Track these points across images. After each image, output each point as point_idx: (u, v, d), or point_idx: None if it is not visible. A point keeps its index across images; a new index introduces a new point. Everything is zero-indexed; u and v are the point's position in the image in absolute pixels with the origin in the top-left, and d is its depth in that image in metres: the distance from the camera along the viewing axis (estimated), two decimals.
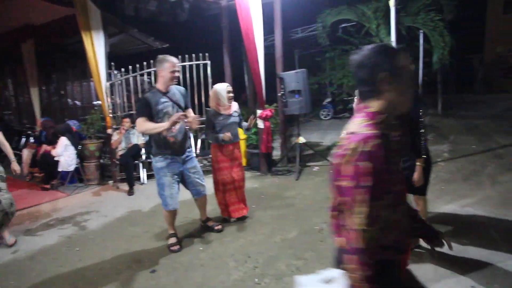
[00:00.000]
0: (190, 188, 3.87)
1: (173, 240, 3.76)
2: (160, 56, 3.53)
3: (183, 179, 3.80)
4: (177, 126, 3.58)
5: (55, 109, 9.97)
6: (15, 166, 4.28)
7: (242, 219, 4.40)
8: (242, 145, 6.14)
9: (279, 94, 6.30)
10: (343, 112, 12.59)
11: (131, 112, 7.03)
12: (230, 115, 4.19)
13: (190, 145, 3.89)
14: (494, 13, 22.26)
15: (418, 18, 8.65)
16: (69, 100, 9.74)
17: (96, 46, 6.35)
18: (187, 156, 3.76)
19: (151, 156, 3.67)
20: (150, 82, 7.17)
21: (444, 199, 4.61)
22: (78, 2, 6.14)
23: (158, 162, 3.59)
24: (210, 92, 4.24)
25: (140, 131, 3.60)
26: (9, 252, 4.05)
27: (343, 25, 10.88)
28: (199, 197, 3.95)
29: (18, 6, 6.99)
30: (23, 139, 9.18)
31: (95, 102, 8.85)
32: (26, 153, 7.68)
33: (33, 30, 8.00)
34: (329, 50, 11.52)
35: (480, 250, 3.26)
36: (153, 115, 3.48)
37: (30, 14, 7.44)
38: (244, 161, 6.18)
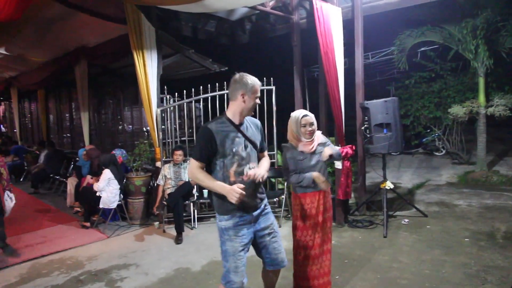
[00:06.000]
0: (264, 255, 2.74)
1: None
2: (238, 75, 2.54)
3: (255, 243, 2.69)
4: (250, 171, 2.53)
5: (104, 135, 9.49)
6: None
7: None
8: None
9: (362, 128, 5.13)
10: (416, 147, 11.04)
11: (184, 139, 6.20)
12: (313, 153, 3.08)
13: (264, 194, 2.79)
14: None
15: None
16: (124, 125, 9.22)
17: (148, 67, 5.66)
18: (262, 211, 2.67)
19: (216, 213, 2.62)
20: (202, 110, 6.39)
21: None
22: (132, 19, 5.50)
23: (223, 221, 2.54)
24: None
25: (191, 178, 2.58)
26: None
27: (422, 48, 9.59)
28: (275, 268, 2.79)
29: (72, 27, 6.54)
30: (72, 166, 8.71)
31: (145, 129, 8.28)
32: (70, 183, 7.05)
33: (86, 51, 7.55)
34: (403, 78, 10.23)
35: None
36: (216, 153, 2.48)
37: (83, 35, 6.98)
38: None
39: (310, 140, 3.06)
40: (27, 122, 14.56)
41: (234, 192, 2.36)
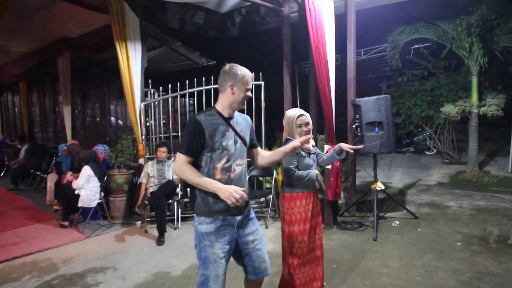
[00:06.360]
0: (246, 263, 2.52)
1: None
2: (228, 66, 2.34)
3: (237, 250, 2.48)
4: (238, 169, 2.34)
5: (89, 130, 9.18)
6: None
7: None
8: None
9: (353, 126, 4.95)
10: (407, 146, 10.93)
11: (168, 134, 5.98)
12: (309, 153, 2.94)
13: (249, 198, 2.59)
14: None
15: None
16: (110, 120, 8.89)
17: (131, 60, 5.41)
18: (246, 216, 2.47)
19: (195, 215, 2.41)
20: (193, 105, 6.14)
21: None
22: (115, 9, 5.24)
23: (203, 225, 2.32)
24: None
25: (178, 174, 2.36)
26: None
27: (415, 46, 9.44)
28: (258, 278, 2.58)
29: (54, 17, 6.24)
30: (54, 162, 8.40)
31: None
32: (50, 180, 6.77)
33: (69, 42, 7.24)
34: (395, 75, 10.10)
35: None
36: (204, 147, 2.27)
37: (66, 25, 6.68)
38: None
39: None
40: (9, 115, 14.15)
41: (235, 193, 2.17)
